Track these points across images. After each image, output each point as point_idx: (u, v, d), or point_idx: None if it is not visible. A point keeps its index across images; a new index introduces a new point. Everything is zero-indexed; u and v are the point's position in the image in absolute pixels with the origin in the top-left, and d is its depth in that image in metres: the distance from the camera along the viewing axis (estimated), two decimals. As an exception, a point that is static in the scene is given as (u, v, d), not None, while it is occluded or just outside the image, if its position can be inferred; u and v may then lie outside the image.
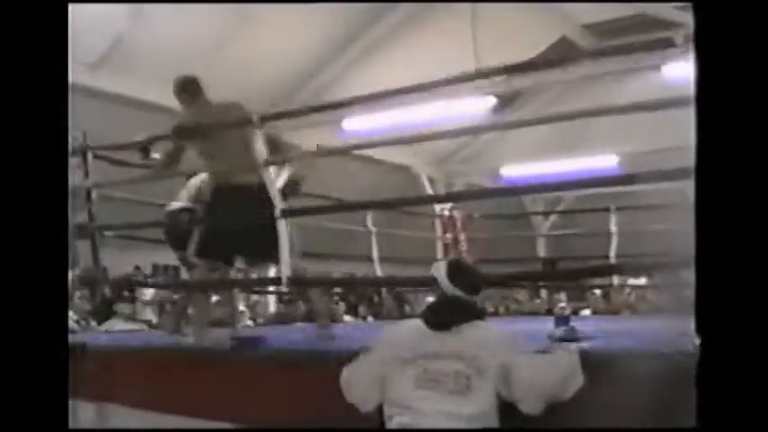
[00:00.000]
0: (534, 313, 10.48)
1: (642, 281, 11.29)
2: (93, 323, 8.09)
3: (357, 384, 3.14)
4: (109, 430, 4.19)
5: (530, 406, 2.84)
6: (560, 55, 13.49)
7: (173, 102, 5.75)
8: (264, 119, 4.99)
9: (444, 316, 3.02)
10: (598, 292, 11.78)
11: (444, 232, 11.23)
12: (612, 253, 10.34)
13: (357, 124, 11.22)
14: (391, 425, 2.92)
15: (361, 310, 12.22)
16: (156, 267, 12.69)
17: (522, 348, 2.97)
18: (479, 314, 3.07)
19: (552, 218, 18.41)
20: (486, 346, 2.90)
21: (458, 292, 3.05)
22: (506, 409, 2.88)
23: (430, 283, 3.29)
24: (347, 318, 11.12)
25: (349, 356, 3.23)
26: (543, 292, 12.73)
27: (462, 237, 10.77)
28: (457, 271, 3.13)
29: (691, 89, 4.33)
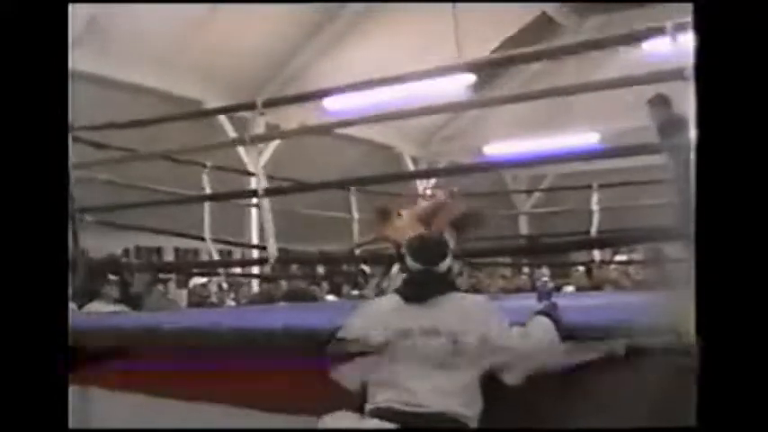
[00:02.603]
0: (520, 290, 10.50)
1: (624, 257, 11.35)
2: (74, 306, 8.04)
3: (340, 365, 3.12)
4: (109, 430, 4.18)
5: (511, 377, 2.88)
6: (540, 46, 13.50)
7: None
8: (267, 104, 5.05)
9: (418, 289, 3.03)
10: (581, 268, 11.84)
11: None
12: (594, 230, 10.40)
13: (339, 103, 11.17)
14: (374, 402, 2.93)
15: (345, 289, 12.19)
16: (139, 250, 12.67)
17: (502, 320, 2.98)
18: (452, 285, 3.09)
19: (534, 196, 18.47)
20: (465, 319, 2.92)
21: (420, 266, 3.06)
22: (488, 380, 2.90)
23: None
24: (330, 297, 11.09)
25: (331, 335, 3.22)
26: (527, 269, 12.77)
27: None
28: (418, 245, 3.16)
29: (672, 66, 4.34)
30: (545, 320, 3.01)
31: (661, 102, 5.83)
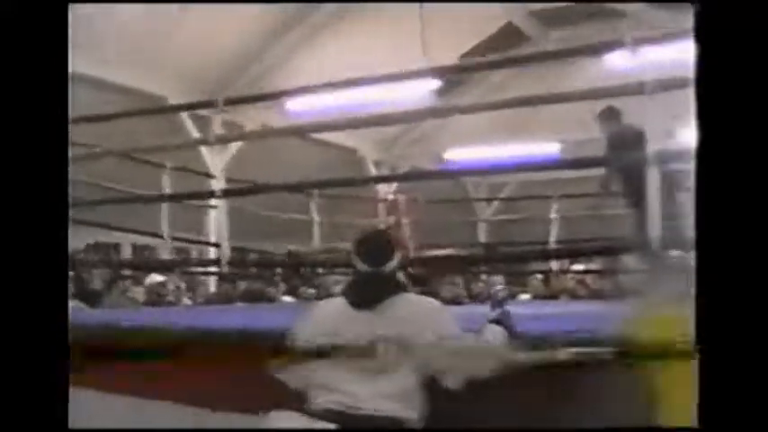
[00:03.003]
0: (476, 297, 10.55)
1: (581, 266, 11.46)
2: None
3: (287, 366, 3.08)
4: (109, 430, 4.13)
5: (451, 381, 2.86)
6: (506, 53, 13.60)
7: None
8: (227, 102, 5.03)
9: (363, 292, 2.98)
10: (540, 276, 11.94)
11: (388, 215, 11.23)
12: (552, 239, 10.49)
13: (303, 105, 11.15)
14: (317, 403, 2.90)
15: (303, 291, 12.17)
16: (97, 246, 12.57)
17: (452, 325, 2.96)
18: (398, 287, 3.02)
19: (495, 204, 18.58)
20: (414, 323, 2.88)
21: (367, 267, 3.02)
22: (428, 384, 2.89)
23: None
24: (287, 298, 11.07)
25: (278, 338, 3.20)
26: (484, 277, 12.84)
27: (405, 221, 10.78)
28: (364, 246, 3.10)
29: (634, 78, 4.38)
30: (496, 328, 3.02)
31: (611, 115, 5.91)
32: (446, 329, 2.92)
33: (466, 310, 5.65)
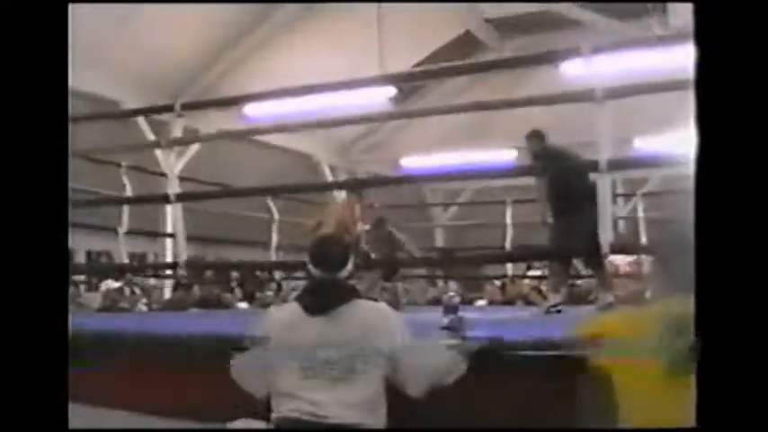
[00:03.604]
0: (433, 303, 10.59)
1: (537, 272, 11.56)
2: None
3: (246, 374, 3.07)
4: (109, 430, 4.06)
5: (413, 389, 2.87)
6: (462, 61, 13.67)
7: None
8: (185, 107, 5.02)
9: (317, 298, 2.95)
10: (498, 282, 12.02)
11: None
12: (508, 244, 10.58)
13: (260, 110, 11.09)
14: (279, 411, 2.88)
15: (258, 296, 12.12)
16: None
17: (405, 332, 2.95)
18: (352, 293, 3.00)
19: (451, 210, 18.67)
20: (368, 330, 2.87)
21: (321, 273, 2.99)
22: (391, 391, 2.89)
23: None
24: (242, 305, 11.02)
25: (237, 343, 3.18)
26: (440, 283, 12.89)
27: (361, 226, 10.77)
28: (318, 251, 3.07)
29: (588, 85, 4.44)
30: (449, 335, 3.03)
31: (536, 136, 6.42)
32: (398, 335, 2.90)
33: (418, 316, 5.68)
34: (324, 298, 2.93)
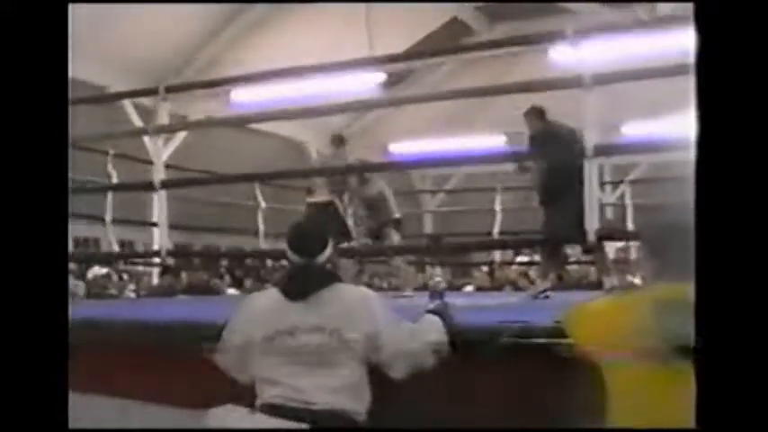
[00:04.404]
0: (420, 289, 10.61)
1: (524, 258, 11.59)
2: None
3: (229, 360, 3.10)
4: (109, 430, 4.06)
5: (395, 371, 2.88)
6: (448, 42, 13.65)
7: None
8: (169, 89, 4.98)
9: (298, 284, 2.95)
10: (485, 268, 12.05)
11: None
12: (496, 230, 10.59)
13: (246, 96, 11.07)
14: (263, 398, 2.89)
15: (247, 283, 12.12)
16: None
17: (387, 314, 2.95)
18: (332, 277, 3.00)
19: (440, 195, 18.69)
20: (349, 314, 2.87)
21: (299, 259, 2.99)
22: (375, 377, 2.91)
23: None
24: (232, 290, 11.01)
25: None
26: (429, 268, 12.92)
27: (349, 211, 10.78)
28: (295, 237, 3.06)
29: (576, 71, 4.44)
30: (434, 318, 3.03)
31: (535, 113, 6.04)
32: (380, 318, 2.91)
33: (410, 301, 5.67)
34: (303, 283, 2.93)
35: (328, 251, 3.03)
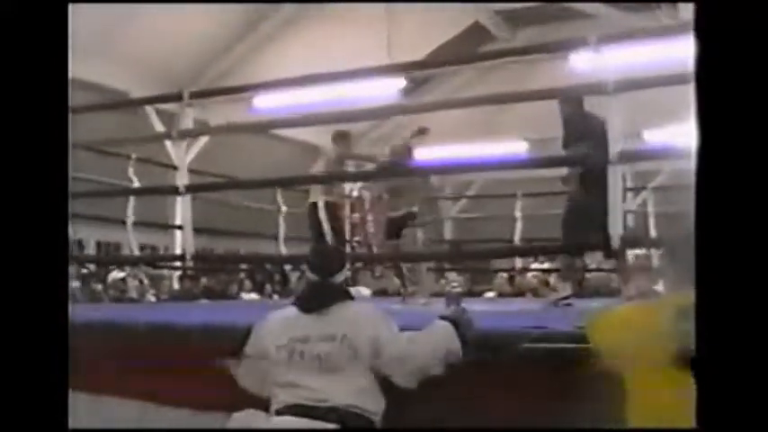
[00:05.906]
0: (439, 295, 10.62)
1: (545, 265, 11.54)
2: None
3: (248, 375, 3.25)
4: (109, 430, 4.10)
5: (403, 380, 2.98)
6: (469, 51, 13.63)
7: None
8: (193, 95, 5.05)
9: (311, 300, 3.13)
10: (505, 275, 12.02)
11: (352, 213, 11.23)
12: (517, 237, 10.56)
13: (268, 102, 11.09)
14: (278, 401, 3.01)
15: (268, 287, 12.16)
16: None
17: (390, 326, 3.07)
18: (345, 295, 3.16)
19: (461, 201, 18.64)
20: (355, 325, 3.01)
21: (317, 277, 3.15)
22: (385, 383, 3.01)
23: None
24: (252, 295, 11.05)
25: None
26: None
27: (370, 217, 10.80)
28: (317, 259, 3.28)
29: (596, 79, 4.42)
30: (444, 324, 3.06)
31: (572, 99, 5.72)
32: (381, 327, 3.03)
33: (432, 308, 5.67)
34: (318, 298, 3.12)
35: (345, 272, 3.23)
